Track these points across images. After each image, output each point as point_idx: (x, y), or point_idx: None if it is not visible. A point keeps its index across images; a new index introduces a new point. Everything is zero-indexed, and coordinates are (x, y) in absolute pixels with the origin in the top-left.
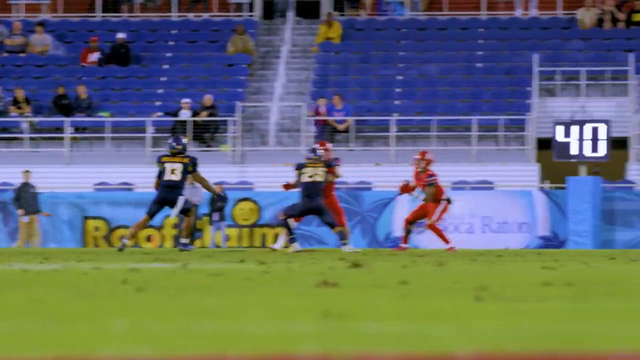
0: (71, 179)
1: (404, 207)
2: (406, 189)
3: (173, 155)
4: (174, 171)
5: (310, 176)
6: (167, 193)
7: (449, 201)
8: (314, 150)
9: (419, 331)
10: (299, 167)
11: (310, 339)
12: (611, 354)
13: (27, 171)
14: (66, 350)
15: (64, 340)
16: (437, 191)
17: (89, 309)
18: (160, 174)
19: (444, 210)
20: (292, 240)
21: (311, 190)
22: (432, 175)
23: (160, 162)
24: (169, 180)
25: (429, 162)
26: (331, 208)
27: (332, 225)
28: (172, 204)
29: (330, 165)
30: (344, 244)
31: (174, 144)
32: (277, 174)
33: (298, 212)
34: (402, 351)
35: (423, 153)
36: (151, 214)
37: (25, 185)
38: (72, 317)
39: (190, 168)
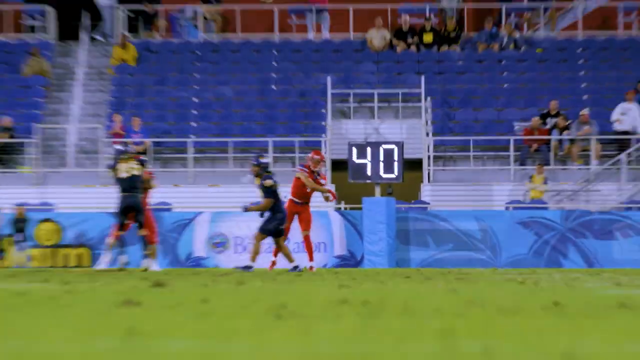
0: None
1: (204, 227)
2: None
3: None
4: None
5: (127, 171)
6: None
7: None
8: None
9: (219, 349)
10: (112, 166)
11: (114, 357)
12: None
13: None
14: None
15: None
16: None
17: None
18: None
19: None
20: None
21: (129, 185)
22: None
23: None
24: None
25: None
26: (146, 222)
27: (141, 226)
28: None
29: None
30: (147, 256)
31: None
32: (77, 195)
33: (120, 213)
34: None
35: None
36: None
37: None
38: None
39: None
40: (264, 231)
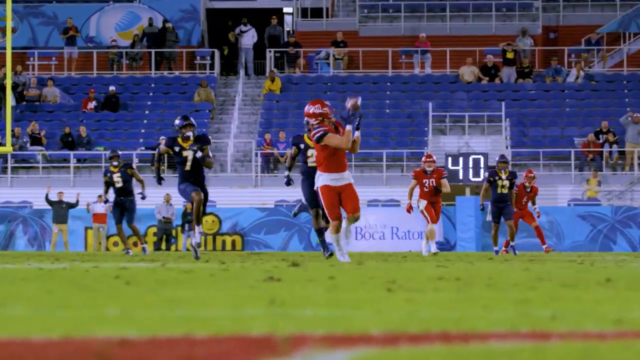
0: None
1: None
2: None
3: None
4: None
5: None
6: None
7: None
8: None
9: (343, 315)
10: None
11: (260, 321)
12: (490, 333)
13: (61, 192)
14: (70, 332)
15: (68, 324)
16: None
17: (89, 299)
18: None
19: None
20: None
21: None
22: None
23: None
24: None
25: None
26: None
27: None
28: None
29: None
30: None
31: None
32: (233, 194)
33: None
34: (331, 331)
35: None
36: None
37: (59, 203)
38: (75, 305)
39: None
40: None
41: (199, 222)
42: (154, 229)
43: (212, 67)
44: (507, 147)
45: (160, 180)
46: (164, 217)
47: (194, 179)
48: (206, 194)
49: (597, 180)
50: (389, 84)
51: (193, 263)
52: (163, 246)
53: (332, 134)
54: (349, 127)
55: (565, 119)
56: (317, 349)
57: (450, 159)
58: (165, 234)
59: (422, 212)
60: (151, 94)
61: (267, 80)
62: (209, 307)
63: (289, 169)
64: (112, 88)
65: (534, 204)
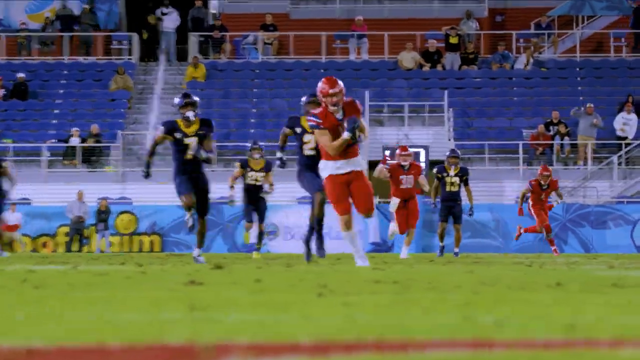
0: None
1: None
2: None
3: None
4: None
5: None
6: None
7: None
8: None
9: (270, 319)
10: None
11: (178, 326)
12: (429, 342)
13: None
14: None
15: None
16: None
17: None
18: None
19: None
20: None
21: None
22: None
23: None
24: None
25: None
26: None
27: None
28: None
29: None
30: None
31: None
32: (152, 191)
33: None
34: (258, 338)
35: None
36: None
37: None
38: None
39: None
40: None
41: (199, 244)
42: (66, 229)
43: (130, 52)
44: (449, 140)
45: (148, 174)
46: (76, 216)
47: (192, 168)
48: (206, 183)
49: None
50: (322, 71)
51: (108, 265)
52: (75, 247)
53: (325, 133)
54: (346, 135)
55: (513, 109)
56: (242, 358)
57: (388, 152)
58: (78, 234)
59: (393, 214)
60: (64, 81)
61: (190, 66)
62: (125, 312)
63: (282, 148)
64: (21, 75)
65: (560, 197)
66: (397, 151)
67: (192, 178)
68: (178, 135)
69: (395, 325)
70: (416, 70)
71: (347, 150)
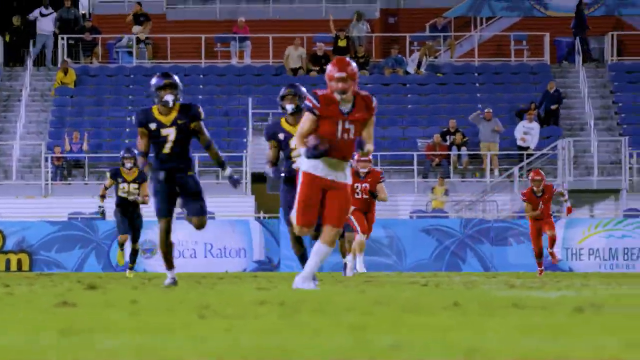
0: None
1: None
2: None
3: None
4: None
5: None
6: None
7: None
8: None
9: (148, 344)
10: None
11: (53, 351)
12: None
13: None
14: None
15: None
16: None
17: None
18: None
19: None
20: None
21: None
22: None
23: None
24: None
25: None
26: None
27: None
28: None
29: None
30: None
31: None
32: (20, 205)
33: None
34: None
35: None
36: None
37: None
38: None
39: None
40: None
41: (168, 265)
42: None
43: None
44: None
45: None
46: None
47: (171, 166)
48: (197, 183)
49: (444, 189)
50: (201, 76)
51: None
52: None
53: (312, 120)
54: (312, 141)
55: (407, 117)
56: None
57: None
58: None
59: (348, 219)
60: None
61: (60, 71)
62: None
63: (275, 163)
64: None
65: (566, 202)
66: (355, 157)
67: (177, 183)
68: (153, 126)
69: (284, 347)
70: (304, 76)
71: (339, 149)
